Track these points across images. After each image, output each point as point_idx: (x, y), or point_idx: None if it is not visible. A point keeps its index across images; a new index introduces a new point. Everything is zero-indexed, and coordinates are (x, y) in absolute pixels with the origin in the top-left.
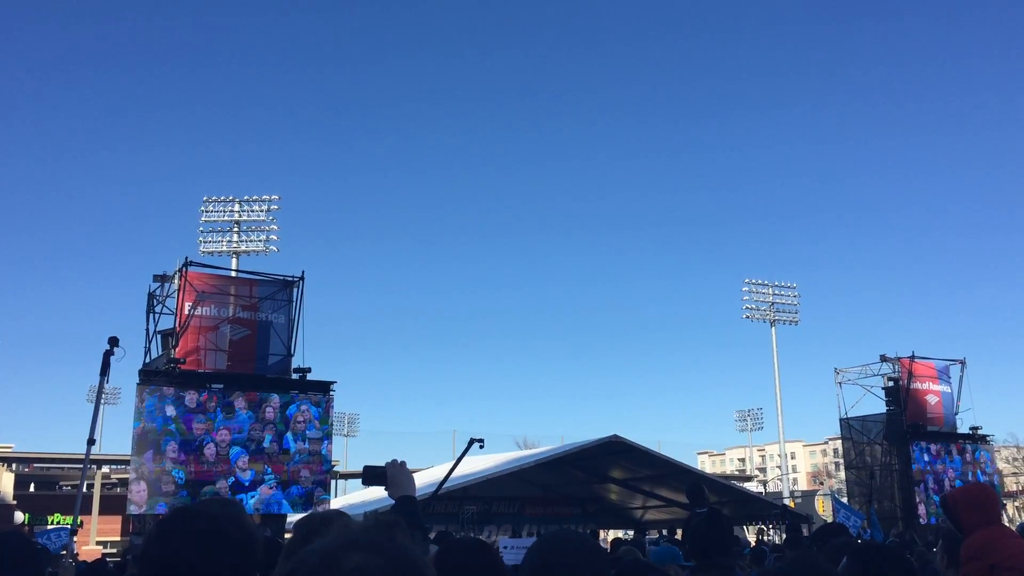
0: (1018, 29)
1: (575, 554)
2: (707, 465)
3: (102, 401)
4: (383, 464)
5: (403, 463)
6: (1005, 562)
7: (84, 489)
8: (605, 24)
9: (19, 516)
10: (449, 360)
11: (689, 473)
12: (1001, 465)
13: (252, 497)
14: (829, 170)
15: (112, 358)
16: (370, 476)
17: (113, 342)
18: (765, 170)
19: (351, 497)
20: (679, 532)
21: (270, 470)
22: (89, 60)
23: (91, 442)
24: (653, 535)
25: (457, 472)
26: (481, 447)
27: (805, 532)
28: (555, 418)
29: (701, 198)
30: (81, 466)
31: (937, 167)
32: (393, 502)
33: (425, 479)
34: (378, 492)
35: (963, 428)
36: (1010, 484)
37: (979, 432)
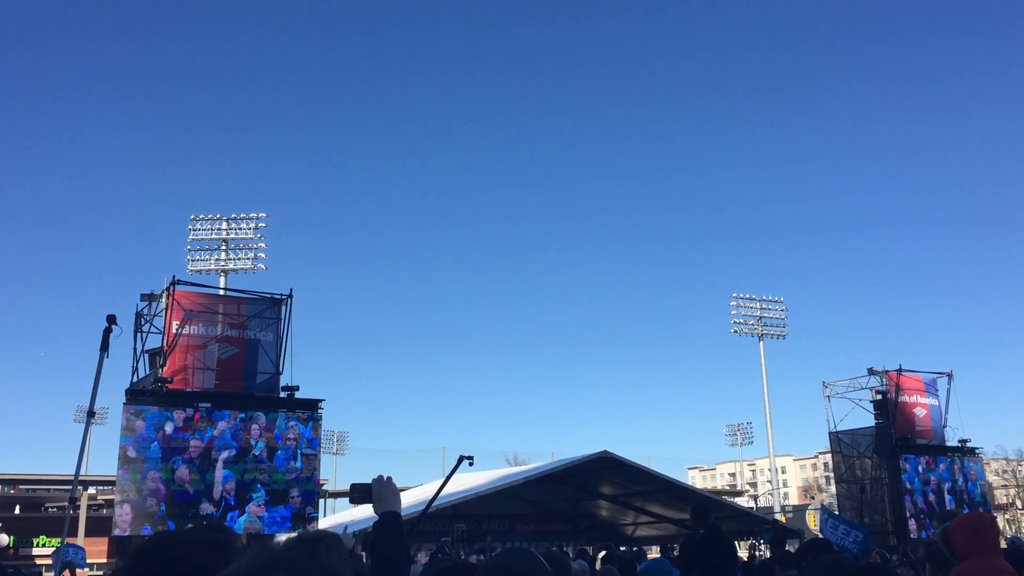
0: (1002, 52)
1: (522, 569)
2: (697, 480)
3: (92, 421)
4: (370, 481)
5: (389, 479)
6: None
7: (80, 472)
8: (591, 41)
9: (3, 539)
10: (438, 377)
11: (680, 488)
12: (990, 478)
13: (241, 517)
14: (816, 185)
15: (111, 336)
16: (357, 494)
17: (111, 319)
18: (752, 184)
19: (340, 516)
20: (676, 549)
21: (261, 488)
22: (76, 78)
23: (91, 414)
24: (654, 553)
25: (447, 489)
26: (471, 464)
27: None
28: (545, 434)
29: (689, 213)
30: (68, 487)
31: (923, 182)
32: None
33: (415, 497)
34: (366, 510)
35: (952, 441)
36: (1000, 496)
37: (968, 445)
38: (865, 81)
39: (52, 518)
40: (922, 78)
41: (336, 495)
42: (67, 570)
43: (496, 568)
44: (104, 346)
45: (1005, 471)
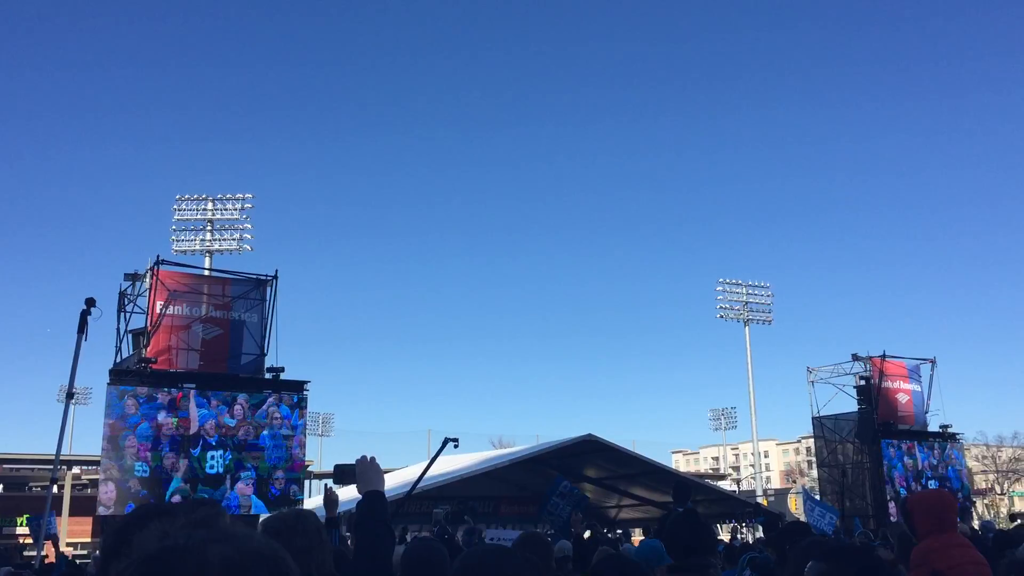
0: (981, 34)
1: (495, 564)
2: (681, 464)
3: (74, 399)
4: (354, 462)
5: (373, 459)
6: (946, 571)
7: (62, 446)
8: (579, 25)
9: None
10: (424, 359)
11: (664, 472)
12: (970, 463)
13: (224, 498)
14: (803, 171)
15: (89, 317)
16: (341, 475)
17: (90, 302)
18: (740, 171)
19: (322, 497)
20: (638, 532)
21: (251, 469)
22: (61, 58)
23: (70, 395)
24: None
25: (432, 472)
26: (456, 446)
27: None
28: (530, 417)
29: (676, 199)
30: (51, 466)
31: (908, 169)
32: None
33: (400, 479)
34: (352, 491)
35: (933, 426)
36: (979, 482)
37: (949, 430)
38: (851, 66)
39: (36, 497)
40: (907, 62)
41: (321, 476)
42: (49, 542)
43: (469, 569)
44: (82, 328)
45: (985, 457)
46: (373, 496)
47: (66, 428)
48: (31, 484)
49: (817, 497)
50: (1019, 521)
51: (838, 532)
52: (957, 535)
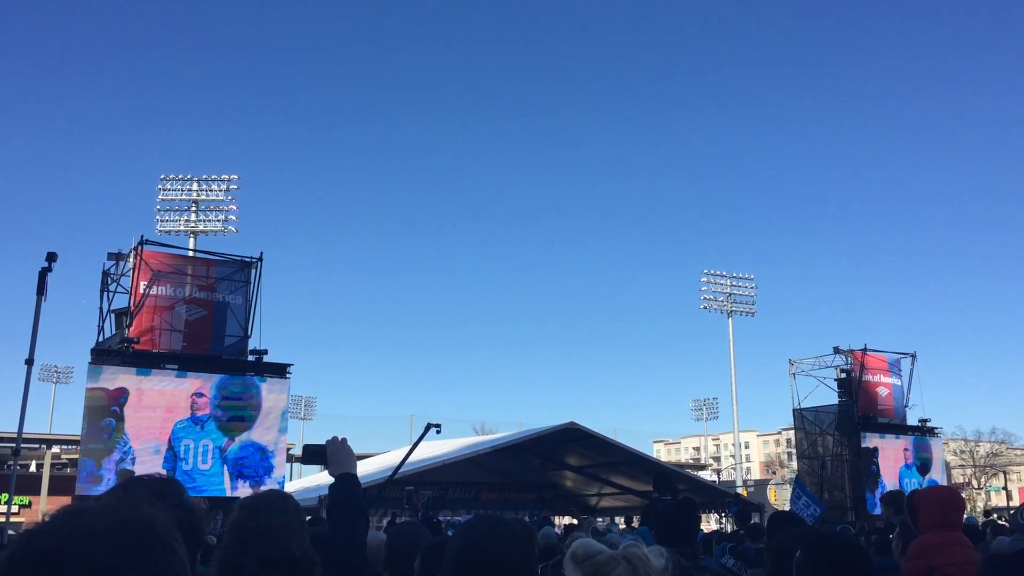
0: (956, 33)
1: (498, 539)
2: (662, 453)
3: (56, 381)
4: (323, 443)
5: (344, 440)
6: (943, 567)
7: (28, 464)
8: (567, 19)
9: None
10: (408, 345)
11: (645, 461)
12: (949, 457)
13: (204, 478)
14: (789, 165)
15: (49, 275)
16: (310, 455)
17: (51, 257)
18: (726, 164)
19: (306, 480)
20: (635, 520)
21: (227, 448)
22: (46, 38)
23: (29, 363)
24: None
25: (414, 457)
26: (438, 432)
27: (756, 520)
28: (513, 405)
29: (661, 190)
30: (35, 445)
31: (891, 164)
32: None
33: (382, 463)
34: (325, 474)
35: (912, 420)
36: (957, 476)
37: (928, 424)
38: (836, 63)
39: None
40: (888, 59)
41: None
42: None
43: (467, 544)
44: (41, 288)
45: (963, 451)
46: (346, 479)
47: (28, 397)
48: (11, 463)
49: (805, 487)
50: (994, 517)
51: (819, 525)
52: (960, 535)
